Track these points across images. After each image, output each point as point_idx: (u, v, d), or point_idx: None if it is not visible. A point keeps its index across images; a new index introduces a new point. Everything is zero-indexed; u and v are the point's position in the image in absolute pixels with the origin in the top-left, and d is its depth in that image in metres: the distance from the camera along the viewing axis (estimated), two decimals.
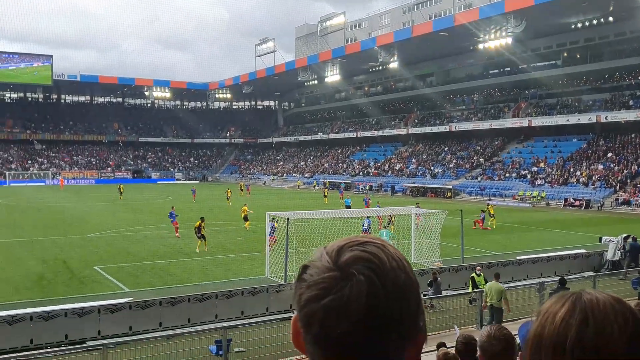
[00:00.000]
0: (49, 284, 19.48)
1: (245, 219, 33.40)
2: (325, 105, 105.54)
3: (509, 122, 67.59)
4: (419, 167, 74.10)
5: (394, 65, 75.76)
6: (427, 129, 78.74)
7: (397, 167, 77.04)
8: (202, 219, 26.31)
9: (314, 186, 76.62)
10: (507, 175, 61.71)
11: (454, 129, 73.99)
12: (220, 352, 12.07)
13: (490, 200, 50.69)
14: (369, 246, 1.03)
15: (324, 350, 0.98)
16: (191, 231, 27.05)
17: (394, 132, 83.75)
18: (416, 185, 66.76)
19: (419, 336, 1.02)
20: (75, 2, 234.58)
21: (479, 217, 33.92)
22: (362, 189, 71.80)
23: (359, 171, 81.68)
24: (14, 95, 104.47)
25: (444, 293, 17.01)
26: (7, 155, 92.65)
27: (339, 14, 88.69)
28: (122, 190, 56.97)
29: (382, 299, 0.97)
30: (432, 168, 72.08)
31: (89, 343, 12.63)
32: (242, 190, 63.83)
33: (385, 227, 27.69)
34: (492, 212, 34.99)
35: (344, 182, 74.93)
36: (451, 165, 70.57)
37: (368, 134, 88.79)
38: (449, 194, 60.91)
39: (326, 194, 56.09)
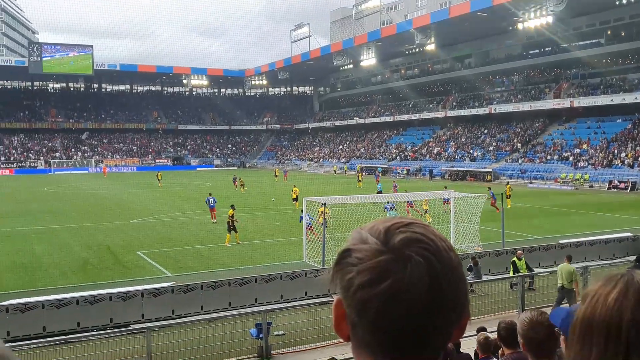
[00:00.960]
0: (94, 269, 20.03)
1: (296, 199, 35.49)
2: (361, 89, 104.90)
3: (550, 103, 65.96)
4: (458, 151, 73.13)
5: (430, 47, 74.70)
6: (465, 112, 77.52)
7: (435, 151, 76.23)
8: (233, 207, 25.06)
9: (345, 170, 76.73)
10: (548, 157, 60.36)
11: (493, 111, 72.62)
12: (261, 336, 12.24)
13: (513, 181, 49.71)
14: (416, 227, 1.02)
15: (382, 335, 0.96)
16: (225, 217, 26.89)
17: (432, 115, 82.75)
18: (455, 169, 65.95)
19: (466, 317, 1.02)
20: None
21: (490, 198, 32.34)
22: (399, 173, 71.37)
23: (395, 155, 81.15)
24: (57, 86, 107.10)
25: (484, 278, 16.83)
26: (51, 144, 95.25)
27: None
28: (159, 178, 57.84)
29: (442, 280, 0.96)
30: (471, 151, 71.05)
31: (133, 326, 12.96)
32: (276, 176, 64.27)
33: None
34: (508, 192, 34.46)
35: (381, 167, 74.57)
36: (491, 148, 69.42)
37: (405, 117, 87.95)
38: (489, 178, 59.99)
39: (360, 179, 56.05)
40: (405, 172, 70.79)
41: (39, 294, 15.39)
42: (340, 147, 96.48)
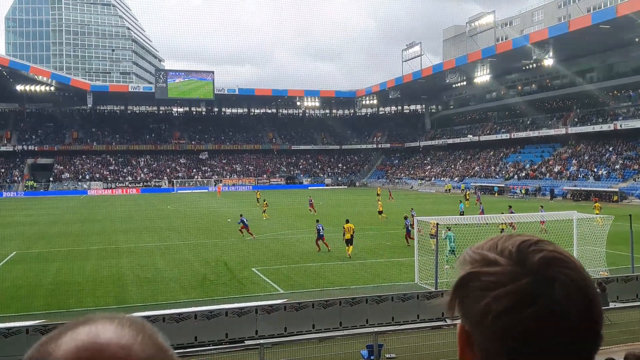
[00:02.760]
0: (212, 284, 20.77)
1: (380, 212, 39.58)
2: (475, 106, 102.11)
3: None
4: (581, 169, 68.82)
5: (549, 62, 71.33)
6: (588, 128, 72.91)
7: (555, 169, 72.26)
8: (348, 221, 26.47)
9: (462, 189, 74.41)
10: None
11: (619, 127, 67.68)
12: (372, 357, 12.00)
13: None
14: (546, 244, 0.96)
15: None
16: (335, 234, 27.35)
17: (552, 132, 78.66)
18: (578, 188, 62.07)
19: (601, 341, 0.96)
20: (234, 20, 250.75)
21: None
22: (517, 192, 68.36)
23: (513, 174, 77.87)
24: (181, 110, 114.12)
25: (611, 305, 15.51)
26: (174, 164, 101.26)
27: (488, 13, 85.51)
28: (258, 197, 58.92)
29: (592, 300, 0.91)
30: (595, 170, 66.59)
31: (247, 342, 13.21)
32: (378, 195, 63.87)
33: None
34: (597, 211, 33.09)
35: (497, 186, 71.84)
36: (617, 167, 64.65)
37: (522, 134, 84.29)
38: (615, 198, 55.84)
39: (468, 198, 54.41)
40: (523, 191, 67.67)
41: (160, 308, 16.17)
42: (453, 165, 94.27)
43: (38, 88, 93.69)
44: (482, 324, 0.92)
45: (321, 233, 27.25)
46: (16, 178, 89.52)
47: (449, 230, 23.34)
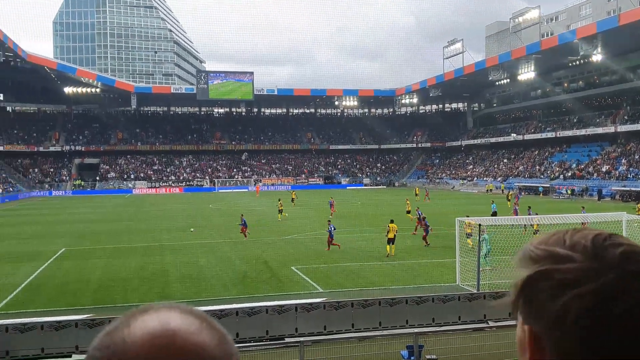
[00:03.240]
0: (252, 282, 20.99)
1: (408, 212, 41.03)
2: (519, 104, 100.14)
3: None
4: (631, 169, 66.69)
5: (597, 57, 69.34)
6: (639, 126, 70.64)
7: (603, 169, 70.24)
8: (392, 221, 26.77)
9: (502, 189, 73.09)
10: None
11: None
12: (412, 358, 11.91)
13: None
14: (621, 238, 0.91)
15: None
16: (376, 235, 27.34)
17: (600, 130, 76.46)
18: (627, 188, 60.20)
19: None
20: (273, 21, 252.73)
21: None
22: (563, 193, 66.78)
23: (559, 174, 76.04)
24: (221, 110, 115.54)
25: None
26: (215, 164, 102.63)
27: (533, 8, 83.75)
28: (293, 197, 58.95)
29: None
30: None
31: (287, 339, 13.30)
32: (417, 195, 63.32)
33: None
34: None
35: (542, 186, 70.35)
36: None
37: (569, 133, 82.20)
38: None
39: (509, 198, 53.46)
40: (569, 191, 66.03)
41: (203, 304, 16.42)
42: (496, 165, 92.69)
43: (84, 90, 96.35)
44: (560, 325, 0.85)
45: (332, 233, 27.72)
46: (64, 177, 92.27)
47: (484, 232, 22.81)
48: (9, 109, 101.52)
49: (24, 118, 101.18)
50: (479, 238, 19.38)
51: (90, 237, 34.31)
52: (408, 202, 44.77)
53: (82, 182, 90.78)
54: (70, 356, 13.06)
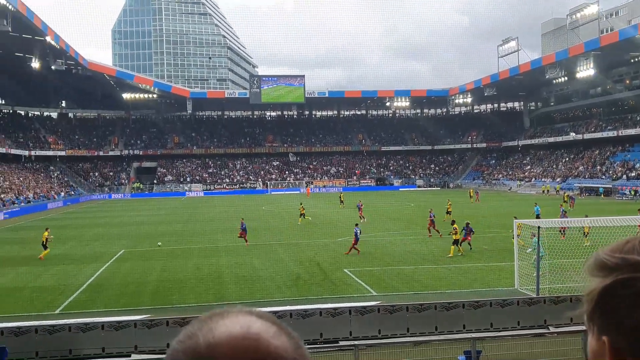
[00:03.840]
0: (305, 284, 21.01)
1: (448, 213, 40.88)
2: (578, 102, 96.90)
3: None
4: None
5: None
6: None
7: None
8: (453, 222, 27.51)
9: (557, 191, 70.78)
10: None
11: None
12: None
13: None
14: None
15: None
16: (430, 238, 26.95)
17: None
18: None
19: None
20: (324, 24, 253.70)
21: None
22: (626, 194, 64.19)
23: (621, 174, 73.14)
24: (273, 114, 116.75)
25: None
26: (268, 167, 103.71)
27: (591, 4, 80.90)
28: (342, 199, 58.87)
29: None
30: None
31: (341, 343, 13.20)
32: (471, 197, 62.30)
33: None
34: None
35: (603, 187, 67.82)
36: None
37: (632, 131, 78.83)
38: None
39: (565, 200, 51.76)
40: (632, 192, 63.38)
41: (257, 306, 16.52)
42: (555, 165, 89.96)
43: (142, 96, 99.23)
44: None
45: (358, 236, 27.34)
46: (123, 181, 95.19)
47: (534, 236, 21.47)
48: (70, 115, 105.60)
49: (85, 124, 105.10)
50: (538, 241, 18.76)
51: (148, 238, 35.20)
52: (450, 203, 44.15)
53: (141, 185, 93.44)
54: (129, 356, 13.35)
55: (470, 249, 27.35)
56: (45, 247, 27.95)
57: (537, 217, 34.62)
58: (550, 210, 38.84)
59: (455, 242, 26.43)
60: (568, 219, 24.00)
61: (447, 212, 41.54)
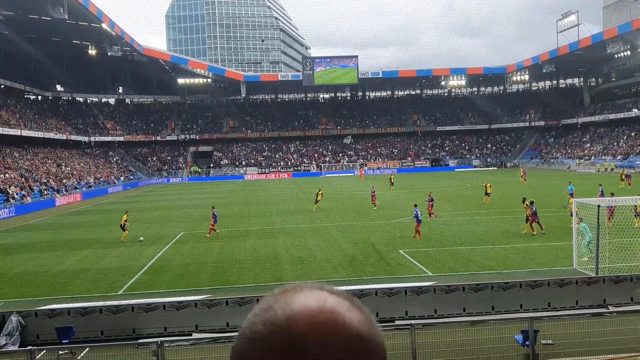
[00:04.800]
0: (360, 265, 21.27)
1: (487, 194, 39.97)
2: None
3: None
4: None
5: None
6: None
7: None
8: (524, 200, 27.67)
9: (599, 169, 68.12)
10: None
11: None
12: (527, 343, 11.62)
13: None
14: None
15: None
16: (486, 217, 26.63)
17: None
18: None
19: None
20: (377, 2, 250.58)
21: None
22: None
23: None
24: (326, 96, 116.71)
25: None
26: (322, 149, 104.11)
27: None
28: (392, 181, 58.15)
29: None
30: None
31: (397, 322, 13.41)
32: (521, 176, 60.74)
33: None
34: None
35: None
36: None
37: None
38: None
39: (623, 178, 49.89)
40: None
41: None
42: (616, 143, 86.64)
43: (197, 80, 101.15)
44: None
45: (419, 218, 26.27)
46: (181, 165, 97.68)
47: (582, 221, 20.36)
48: (127, 101, 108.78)
49: (142, 109, 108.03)
50: (598, 219, 18.31)
51: (206, 221, 36.15)
52: (488, 184, 41.41)
53: (198, 169, 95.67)
54: (190, 334, 13.92)
55: (533, 232, 26.23)
56: (124, 229, 29.12)
57: (571, 196, 33.69)
58: (608, 189, 37.52)
59: (526, 219, 26.65)
60: (621, 198, 23.14)
61: (486, 194, 40.04)
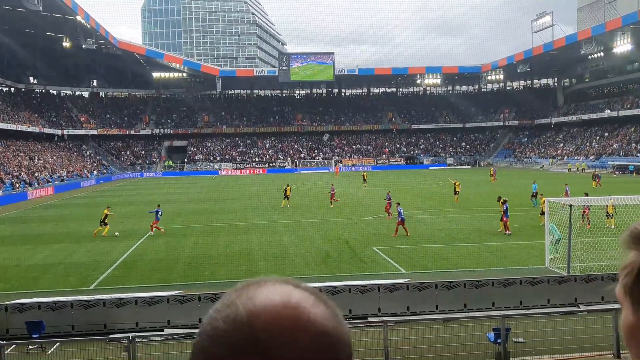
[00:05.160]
0: (334, 262, 21.19)
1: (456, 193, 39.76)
2: (614, 78, 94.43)
3: None
4: None
5: None
6: None
7: None
8: (499, 199, 27.33)
9: (569, 169, 69.35)
10: None
11: None
12: (499, 341, 11.65)
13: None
14: None
15: None
16: (458, 216, 26.78)
17: None
18: None
19: None
20: (353, 1, 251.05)
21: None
22: None
23: None
24: (302, 92, 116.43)
25: None
26: (297, 145, 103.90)
27: None
28: (365, 178, 58.42)
29: None
30: None
31: (370, 319, 13.34)
32: (491, 175, 61.19)
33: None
34: (610, 210, 25.49)
35: (633, 165, 66.27)
36: None
37: None
38: None
39: (594, 178, 50.83)
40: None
41: None
42: (588, 143, 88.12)
43: (172, 75, 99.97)
44: None
45: (402, 216, 26.10)
46: (155, 159, 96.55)
47: (549, 220, 20.21)
48: (102, 94, 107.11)
49: (116, 103, 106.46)
50: (570, 219, 18.50)
51: (179, 216, 35.79)
52: (457, 182, 41.49)
53: (172, 164, 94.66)
54: (162, 330, 13.70)
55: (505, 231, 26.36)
56: (105, 224, 28.48)
57: (534, 195, 35.18)
58: (577, 189, 38.01)
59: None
60: (594, 198, 23.45)
61: (455, 192, 39.98)
